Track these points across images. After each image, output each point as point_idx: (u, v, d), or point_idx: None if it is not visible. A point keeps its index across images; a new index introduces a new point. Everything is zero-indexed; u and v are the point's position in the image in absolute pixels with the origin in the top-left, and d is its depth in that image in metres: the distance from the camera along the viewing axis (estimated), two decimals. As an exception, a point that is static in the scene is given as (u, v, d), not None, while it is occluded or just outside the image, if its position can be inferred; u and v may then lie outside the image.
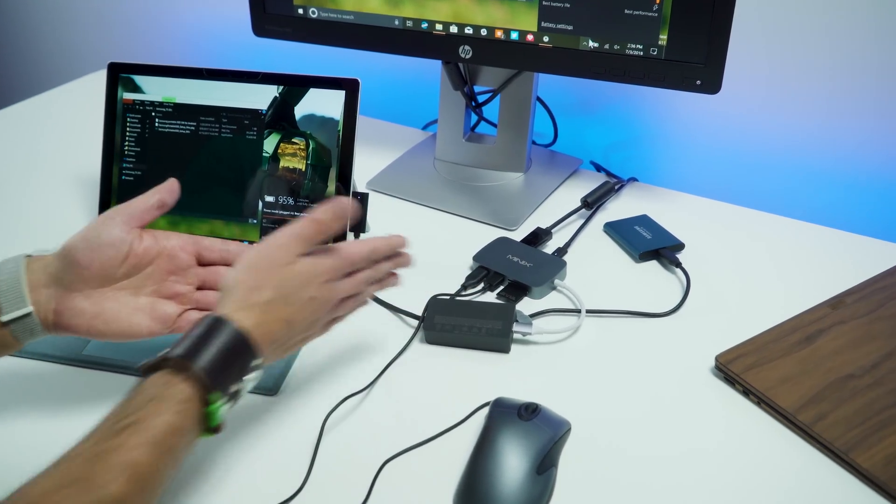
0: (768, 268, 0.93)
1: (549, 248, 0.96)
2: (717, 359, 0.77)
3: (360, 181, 1.09)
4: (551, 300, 0.88)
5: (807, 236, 0.99)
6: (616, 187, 1.06)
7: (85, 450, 0.51)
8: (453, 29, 0.99)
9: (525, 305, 0.87)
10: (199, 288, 0.72)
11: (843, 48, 1.02)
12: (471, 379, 0.78)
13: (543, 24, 0.95)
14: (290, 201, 0.92)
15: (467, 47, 1.00)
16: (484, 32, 0.98)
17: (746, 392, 0.75)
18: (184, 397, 0.54)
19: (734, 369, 0.76)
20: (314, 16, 1.05)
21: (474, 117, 1.15)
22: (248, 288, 0.60)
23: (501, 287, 0.89)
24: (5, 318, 0.62)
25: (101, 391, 0.76)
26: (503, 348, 0.81)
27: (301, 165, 0.91)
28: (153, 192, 0.71)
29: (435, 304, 0.83)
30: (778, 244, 0.97)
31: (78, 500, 0.47)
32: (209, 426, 0.56)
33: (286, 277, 0.61)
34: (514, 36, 0.97)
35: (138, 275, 0.69)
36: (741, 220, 1.02)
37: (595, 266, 0.93)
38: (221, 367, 0.55)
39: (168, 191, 0.72)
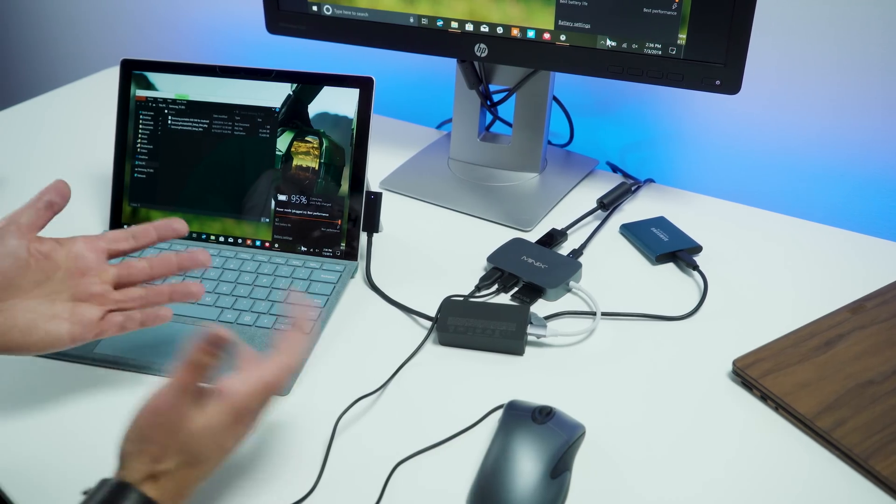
0: (787, 271, 0.93)
1: (565, 249, 0.96)
2: (734, 363, 0.77)
3: (373, 180, 1.09)
4: (566, 302, 0.88)
5: (826, 239, 0.98)
6: (632, 188, 1.05)
7: None
8: (469, 27, 0.99)
9: (539, 307, 0.87)
10: (118, 286, 0.71)
11: (873, 42, 1.01)
12: (484, 381, 0.78)
13: (560, 23, 0.95)
14: (303, 200, 0.92)
15: (483, 45, 1.00)
16: (500, 31, 0.98)
17: (764, 397, 0.75)
18: None
19: (752, 374, 0.75)
20: (328, 13, 1.05)
21: (489, 116, 1.15)
22: (152, 457, 0.57)
23: (516, 289, 0.89)
24: None
25: (112, 390, 0.77)
26: (517, 350, 0.81)
27: (314, 164, 0.92)
28: (40, 194, 0.70)
29: (448, 305, 0.83)
30: (797, 247, 0.97)
31: None
32: None
33: (187, 441, 0.58)
34: (531, 34, 0.97)
35: (49, 281, 0.68)
36: (760, 223, 1.02)
37: (611, 268, 0.93)
38: None
39: (55, 191, 0.71)
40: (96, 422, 0.74)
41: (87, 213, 1.03)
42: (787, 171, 1.12)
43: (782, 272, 0.92)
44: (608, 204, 1.02)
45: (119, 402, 0.75)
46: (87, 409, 0.75)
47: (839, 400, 0.72)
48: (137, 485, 0.55)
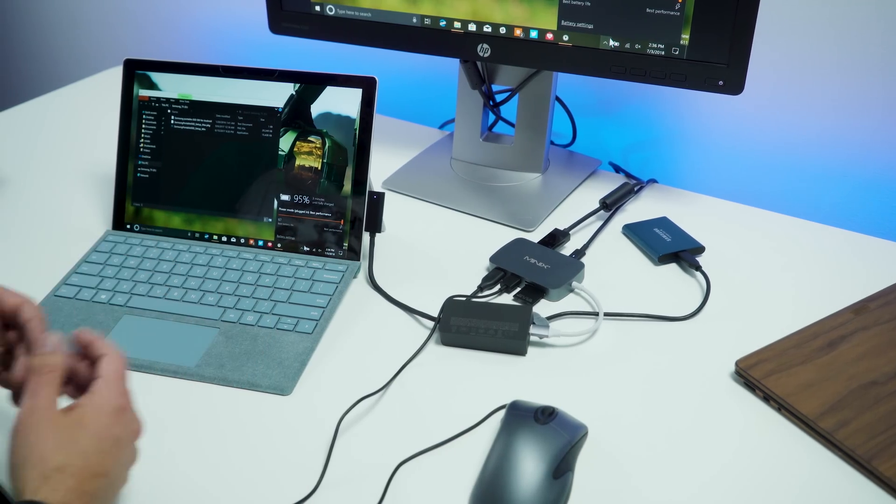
0: (790, 271, 0.93)
1: (567, 249, 0.96)
2: (737, 364, 0.77)
3: (376, 180, 1.09)
4: (569, 302, 0.88)
5: (829, 240, 0.98)
6: (635, 189, 1.05)
7: None
8: (472, 27, 0.99)
9: (542, 307, 0.87)
10: (8, 351, 0.66)
11: (874, 42, 1.01)
12: (487, 381, 0.78)
13: (563, 23, 0.95)
14: (306, 200, 0.92)
15: (486, 46, 1.00)
16: (503, 31, 0.98)
17: (767, 398, 0.74)
18: None
19: (754, 374, 0.75)
20: (331, 13, 1.05)
21: (492, 116, 1.15)
22: (37, 461, 0.55)
23: (518, 289, 0.89)
24: None
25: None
26: (520, 351, 0.81)
27: (317, 164, 0.92)
28: None
29: (451, 305, 0.83)
30: (800, 247, 0.97)
31: None
32: None
33: (69, 438, 0.56)
34: (534, 34, 0.97)
35: None
36: (763, 223, 1.02)
37: (613, 268, 0.93)
38: None
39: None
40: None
41: (91, 213, 1.03)
42: (789, 171, 1.12)
43: (785, 273, 0.92)
44: (611, 204, 1.02)
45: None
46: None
47: (842, 401, 0.72)
48: (38, 496, 0.53)
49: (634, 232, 0.98)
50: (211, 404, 0.76)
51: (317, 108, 0.92)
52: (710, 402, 0.75)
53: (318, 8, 1.06)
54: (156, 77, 0.96)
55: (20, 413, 0.58)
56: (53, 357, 0.60)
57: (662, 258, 0.94)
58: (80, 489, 0.55)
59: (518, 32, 0.97)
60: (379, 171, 1.11)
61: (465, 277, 0.91)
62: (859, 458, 0.67)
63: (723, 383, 0.77)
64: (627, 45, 0.93)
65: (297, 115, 0.93)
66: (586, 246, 0.96)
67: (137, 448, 0.62)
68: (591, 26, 0.94)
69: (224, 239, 0.95)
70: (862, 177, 1.08)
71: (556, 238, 0.96)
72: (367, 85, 0.91)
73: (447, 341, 0.82)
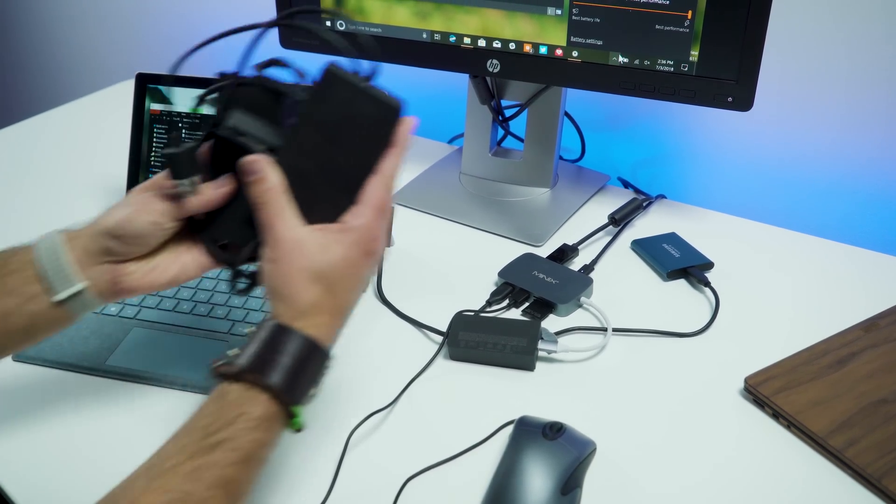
0: (799, 288, 0.92)
1: (576, 265, 0.96)
2: (746, 381, 0.77)
3: (385, 194, 1.09)
4: (577, 318, 0.88)
5: (840, 256, 0.98)
6: (644, 204, 1.05)
7: (180, 463, 0.52)
8: (481, 43, 1.00)
9: (550, 323, 0.87)
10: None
11: (878, 57, 1.01)
12: (495, 396, 0.78)
13: (573, 39, 0.95)
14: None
15: (495, 61, 1.00)
16: (512, 46, 0.98)
17: (776, 415, 0.74)
18: (270, 414, 0.56)
19: (764, 392, 0.75)
20: (342, 28, 1.06)
21: (501, 132, 1.16)
22: (293, 295, 0.58)
23: (527, 304, 0.89)
24: (58, 297, 0.62)
25: (124, 402, 0.77)
26: (528, 366, 0.81)
27: (327, 178, 0.92)
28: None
29: (459, 320, 0.83)
30: (810, 264, 0.96)
31: None
32: (294, 430, 0.58)
33: (320, 276, 0.59)
34: (543, 50, 0.97)
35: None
36: (772, 239, 1.01)
37: (622, 284, 0.93)
38: (300, 380, 0.57)
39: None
40: (108, 434, 0.74)
41: (101, 226, 1.04)
42: (798, 186, 1.12)
43: (794, 289, 0.92)
44: (619, 220, 1.02)
45: (130, 414, 0.76)
46: (99, 421, 0.75)
47: (852, 419, 0.72)
48: (292, 325, 0.57)
49: (643, 247, 0.98)
50: (219, 417, 0.76)
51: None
52: (719, 418, 0.75)
53: (328, 24, 1.06)
54: (167, 91, 0.97)
55: (265, 242, 0.59)
56: (266, 180, 0.59)
57: (671, 274, 0.93)
58: (334, 322, 0.60)
59: (527, 48, 0.98)
60: (388, 186, 1.11)
61: (474, 292, 0.91)
62: (869, 477, 0.67)
63: (731, 400, 0.77)
64: (637, 62, 0.93)
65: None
66: (595, 261, 0.96)
67: None
68: (600, 42, 0.94)
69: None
70: (872, 192, 1.07)
71: (564, 253, 0.96)
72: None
73: (455, 356, 0.82)
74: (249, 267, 0.65)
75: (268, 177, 0.59)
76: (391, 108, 0.59)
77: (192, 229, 0.66)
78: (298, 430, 0.58)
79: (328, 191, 0.60)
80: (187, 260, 0.66)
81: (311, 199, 0.59)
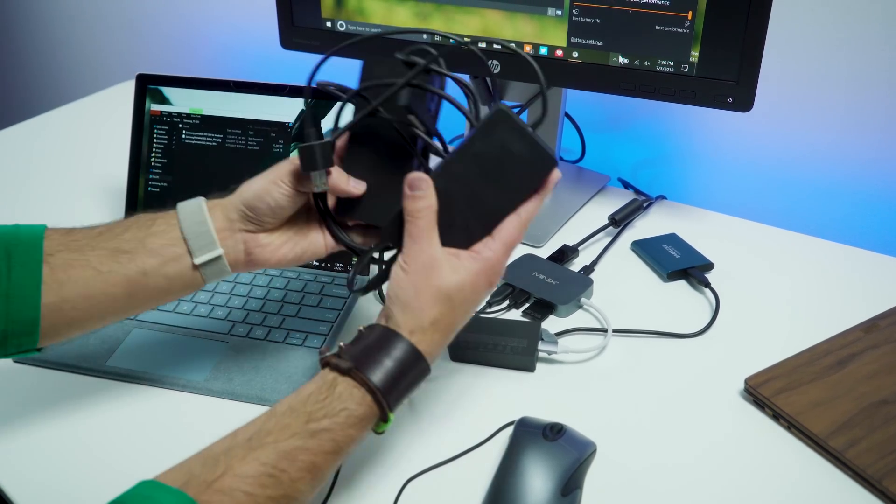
0: (800, 289, 0.92)
1: (576, 265, 0.96)
2: (746, 381, 0.77)
3: (385, 195, 1.09)
4: (577, 319, 0.88)
5: (840, 257, 0.98)
6: (644, 205, 1.05)
7: (281, 440, 0.56)
8: (482, 43, 0.99)
9: (551, 324, 0.87)
10: None
11: (878, 59, 1.01)
12: (495, 397, 0.78)
13: (573, 40, 0.95)
14: (316, 215, 0.92)
15: (496, 62, 1.00)
16: (513, 47, 0.98)
17: (776, 416, 0.74)
18: (370, 415, 0.59)
19: (764, 393, 0.75)
20: (342, 29, 1.06)
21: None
22: (415, 315, 0.61)
23: (527, 305, 0.89)
24: (198, 261, 0.67)
25: (124, 403, 0.77)
26: (528, 367, 0.80)
27: (327, 179, 0.92)
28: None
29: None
30: (810, 265, 0.96)
31: (272, 490, 0.54)
32: (378, 431, 0.61)
33: (445, 299, 0.61)
34: (543, 51, 0.97)
35: None
36: (772, 240, 1.01)
37: (622, 285, 0.93)
38: (402, 389, 0.60)
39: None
40: (108, 435, 0.74)
41: (101, 226, 1.04)
42: (798, 187, 1.12)
43: (794, 290, 0.92)
44: (620, 220, 1.02)
45: (130, 415, 0.76)
46: (99, 422, 0.75)
47: (852, 419, 0.72)
48: (411, 338, 0.60)
49: (643, 248, 0.98)
50: (220, 419, 0.75)
51: (327, 124, 0.92)
52: (719, 419, 0.75)
53: (328, 24, 1.06)
54: (168, 92, 0.97)
55: (405, 252, 0.62)
56: (426, 198, 0.62)
57: (671, 275, 0.93)
58: (443, 341, 0.63)
59: (528, 49, 0.98)
60: (388, 186, 1.11)
61: (474, 293, 0.91)
62: (869, 478, 0.67)
63: (732, 401, 0.77)
64: (637, 62, 0.93)
65: (307, 131, 0.93)
66: (595, 262, 0.96)
67: None
68: (600, 43, 0.94)
69: (234, 253, 0.94)
70: (872, 192, 1.07)
71: (564, 254, 0.96)
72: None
73: (455, 357, 0.82)
74: (363, 279, 0.69)
75: (429, 196, 0.62)
76: (548, 158, 0.63)
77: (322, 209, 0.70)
78: (381, 432, 0.61)
79: (468, 218, 0.63)
80: (316, 238, 0.71)
81: (450, 223, 0.63)
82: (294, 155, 0.68)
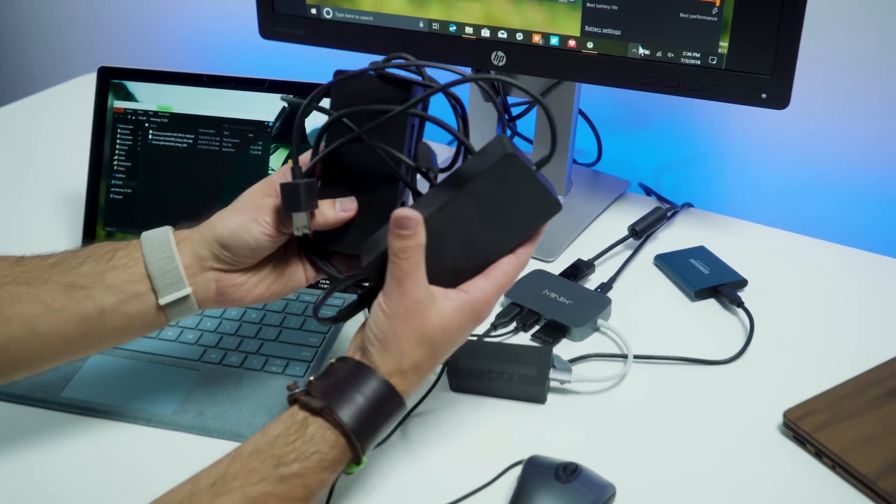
0: (843, 309, 0.92)
1: (592, 283, 0.96)
2: (785, 415, 0.76)
3: (377, 203, 1.09)
4: (593, 343, 0.88)
5: (890, 273, 0.98)
6: (668, 214, 1.05)
7: (248, 485, 0.57)
8: (485, 32, 0.99)
9: (563, 349, 0.86)
10: None
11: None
12: (501, 433, 0.77)
13: (587, 29, 0.95)
14: (298, 226, 0.92)
15: (501, 53, 1.00)
16: (520, 37, 0.98)
17: (819, 454, 0.74)
18: (343, 459, 0.60)
19: (805, 427, 0.75)
20: (329, 16, 1.06)
21: (507, 132, 1.15)
22: (397, 356, 0.62)
23: (536, 327, 0.89)
24: (163, 301, 0.67)
25: (80, 436, 0.77)
26: (538, 398, 0.80)
27: (311, 185, 0.92)
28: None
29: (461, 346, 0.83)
30: (854, 282, 0.96)
31: None
32: (347, 472, 0.63)
33: (430, 340, 0.63)
34: (554, 41, 0.97)
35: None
36: (812, 254, 1.01)
37: (644, 304, 0.93)
38: (377, 432, 0.62)
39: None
40: (63, 475, 0.73)
41: (57, 238, 1.03)
42: (843, 193, 1.12)
43: (838, 310, 0.92)
44: (641, 231, 1.02)
45: (88, 453, 0.75)
46: (53, 460, 0.74)
47: (905, 458, 0.71)
48: (390, 379, 0.62)
49: (668, 263, 0.98)
50: (188, 457, 0.74)
51: (312, 123, 0.92)
52: (755, 458, 0.75)
53: (314, 11, 1.06)
54: (132, 87, 0.97)
55: (387, 292, 0.63)
56: (415, 237, 0.62)
57: (699, 293, 0.93)
58: (421, 382, 0.64)
59: (537, 39, 0.98)
60: (380, 193, 1.11)
61: (477, 313, 0.91)
62: (926, 525, 0.66)
63: (769, 437, 0.77)
64: (659, 54, 0.93)
65: (289, 130, 0.93)
66: (613, 279, 0.96)
67: None
68: (618, 32, 0.94)
69: (206, 268, 0.94)
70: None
71: (579, 270, 0.96)
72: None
73: (456, 386, 0.81)
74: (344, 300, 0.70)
75: (418, 235, 0.62)
76: (553, 203, 0.66)
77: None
78: (351, 473, 0.62)
79: (459, 258, 0.65)
80: (296, 271, 0.72)
81: (439, 262, 0.64)
82: (271, 177, 0.69)
